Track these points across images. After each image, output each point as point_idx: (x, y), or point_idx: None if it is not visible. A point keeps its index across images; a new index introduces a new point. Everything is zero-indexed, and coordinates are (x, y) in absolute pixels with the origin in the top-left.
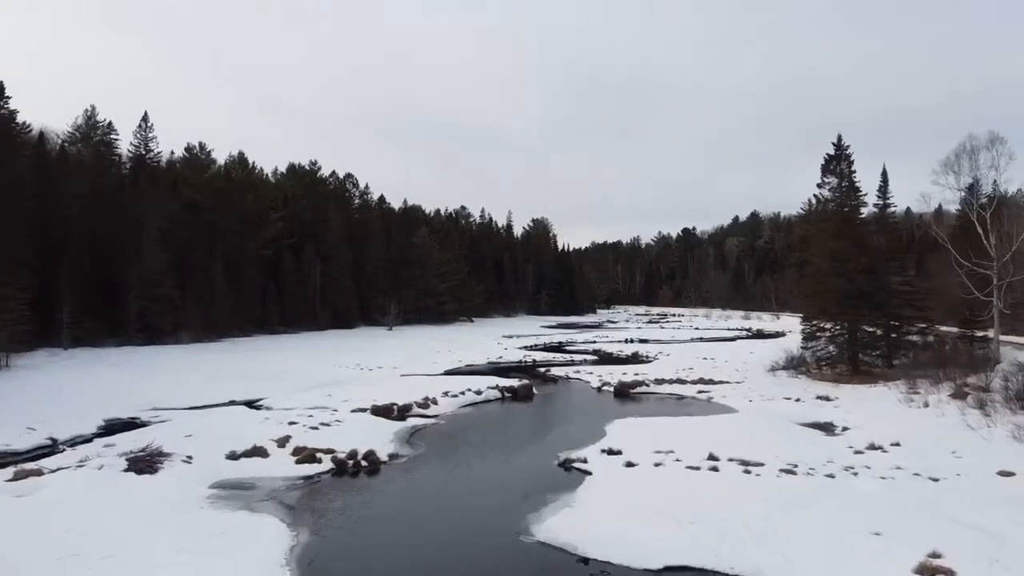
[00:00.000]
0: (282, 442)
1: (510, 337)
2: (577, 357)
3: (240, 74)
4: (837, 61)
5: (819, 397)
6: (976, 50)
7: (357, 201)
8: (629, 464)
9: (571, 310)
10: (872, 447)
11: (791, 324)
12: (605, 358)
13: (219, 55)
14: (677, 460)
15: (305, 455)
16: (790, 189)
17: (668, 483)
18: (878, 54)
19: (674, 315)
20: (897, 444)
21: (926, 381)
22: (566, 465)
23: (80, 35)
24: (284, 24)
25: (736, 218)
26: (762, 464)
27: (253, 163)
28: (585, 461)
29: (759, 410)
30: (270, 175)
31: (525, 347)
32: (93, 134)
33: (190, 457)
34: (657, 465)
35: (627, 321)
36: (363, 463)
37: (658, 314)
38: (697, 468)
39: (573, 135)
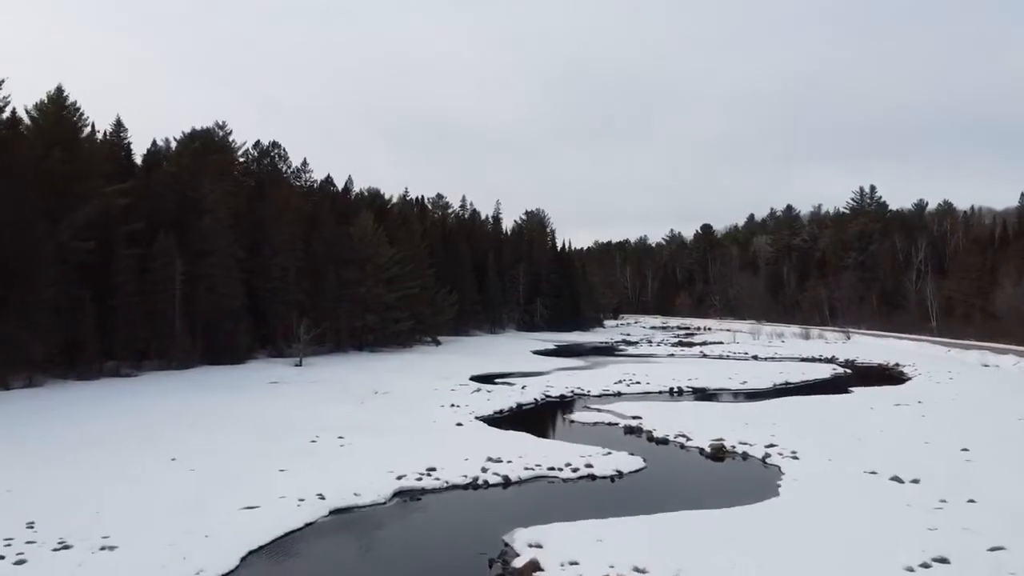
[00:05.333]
0: None
1: (480, 382)
2: (597, 455)
3: (237, 73)
4: (839, 59)
5: None
6: (978, 50)
7: (292, 182)
8: None
9: (573, 324)
10: None
11: (874, 349)
12: (654, 452)
13: (215, 53)
14: None
15: None
16: (790, 188)
17: None
18: (880, 54)
19: (700, 329)
20: None
21: None
22: None
23: (78, 33)
24: (282, 22)
25: (751, 216)
26: None
27: (76, 104)
28: None
29: None
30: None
31: (495, 413)
32: None
33: None
34: None
35: (649, 342)
36: None
37: (680, 327)
38: None
39: (573, 135)
